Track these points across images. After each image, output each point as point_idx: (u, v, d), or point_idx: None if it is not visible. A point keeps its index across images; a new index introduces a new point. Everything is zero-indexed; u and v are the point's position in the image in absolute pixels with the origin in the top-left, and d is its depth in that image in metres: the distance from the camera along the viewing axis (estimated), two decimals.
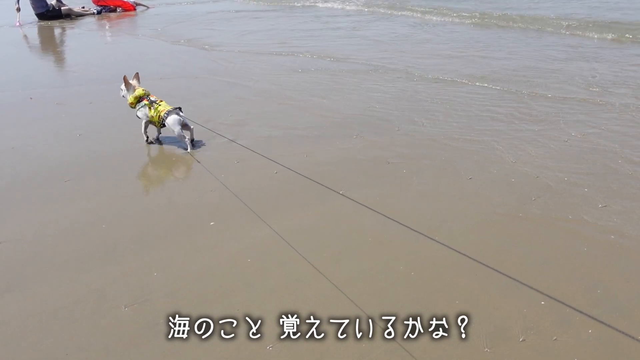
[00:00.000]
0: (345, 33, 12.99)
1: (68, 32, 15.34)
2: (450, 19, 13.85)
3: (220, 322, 3.16)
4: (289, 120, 6.69)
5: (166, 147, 5.90)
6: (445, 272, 3.58)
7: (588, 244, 3.84)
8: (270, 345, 2.97)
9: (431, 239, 3.90)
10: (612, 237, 3.93)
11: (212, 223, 4.28)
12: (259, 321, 3.13)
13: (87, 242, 4.06)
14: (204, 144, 5.92)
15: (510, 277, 3.43)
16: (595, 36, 11.21)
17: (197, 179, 5.12)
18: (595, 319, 3.08)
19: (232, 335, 3.06)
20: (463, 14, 14.07)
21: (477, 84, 8.06)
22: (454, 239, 3.94)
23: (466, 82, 8.20)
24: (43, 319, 3.25)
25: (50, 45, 13.82)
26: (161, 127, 5.84)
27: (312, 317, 3.17)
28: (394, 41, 11.71)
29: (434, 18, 14.18)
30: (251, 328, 3.10)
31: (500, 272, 3.48)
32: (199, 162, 5.48)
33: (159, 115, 5.67)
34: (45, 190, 4.94)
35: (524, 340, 2.96)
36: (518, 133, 5.99)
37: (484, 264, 3.58)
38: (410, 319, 3.12)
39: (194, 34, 13.79)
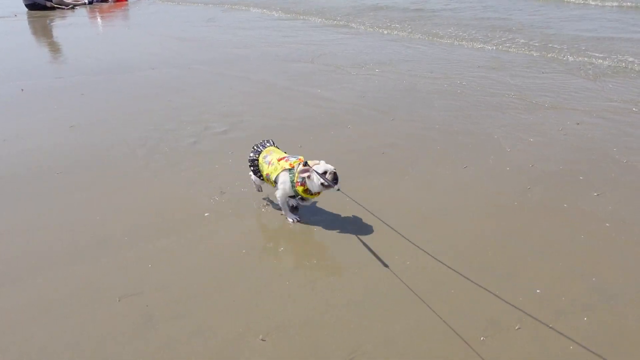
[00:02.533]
0: (329, 30, 12.92)
1: (59, 23, 15.17)
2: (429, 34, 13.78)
3: (215, 314, 3.15)
4: (283, 111, 6.65)
5: (160, 142, 5.84)
6: (440, 263, 3.57)
7: (584, 232, 3.84)
8: (264, 337, 2.96)
9: (417, 246, 3.89)
10: (608, 225, 3.92)
11: (206, 214, 4.25)
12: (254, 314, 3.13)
13: (80, 235, 4.02)
14: (200, 137, 5.88)
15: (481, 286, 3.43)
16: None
17: (191, 170, 5.07)
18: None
19: (227, 328, 3.05)
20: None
21: (473, 74, 8.03)
22: (449, 229, 3.93)
23: (461, 73, 8.17)
24: (36, 312, 3.22)
25: (41, 37, 13.66)
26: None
27: (307, 308, 3.17)
28: (386, 39, 11.65)
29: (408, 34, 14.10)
30: (246, 321, 3.09)
31: (479, 285, 3.47)
32: (193, 153, 5.44)
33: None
34: (37, 183, 4.89)
35: (519, 328, 2.96)
36: (513, 122, 5.98)
37: (464, 276, 3.56)
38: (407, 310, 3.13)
39: (187, 26, 13.67)
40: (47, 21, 15.42)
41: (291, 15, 14.39)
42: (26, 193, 4.71)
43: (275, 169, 3.97)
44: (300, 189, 3.84)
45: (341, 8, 15.02)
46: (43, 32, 14.19)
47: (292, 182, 3.86)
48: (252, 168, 4.16)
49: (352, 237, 3.89)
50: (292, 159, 3.94)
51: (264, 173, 4.06)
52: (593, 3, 11.17)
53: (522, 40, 10.04)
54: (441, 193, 4.50)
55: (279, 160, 3.99)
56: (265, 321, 3.07)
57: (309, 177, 3.78)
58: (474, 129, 5.80)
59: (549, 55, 8.90)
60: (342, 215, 4.19)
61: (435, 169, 4.92)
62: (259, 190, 4.37)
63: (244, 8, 16.22)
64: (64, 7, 17.51)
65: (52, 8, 17.21)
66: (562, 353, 2.78)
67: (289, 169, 3.88)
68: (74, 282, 3.48)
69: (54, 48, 11.92)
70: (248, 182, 4.76)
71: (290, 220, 4.07)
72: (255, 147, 4.22)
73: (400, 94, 7.17)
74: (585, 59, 8.54)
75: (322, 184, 3.75)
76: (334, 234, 3.94)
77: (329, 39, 11.04)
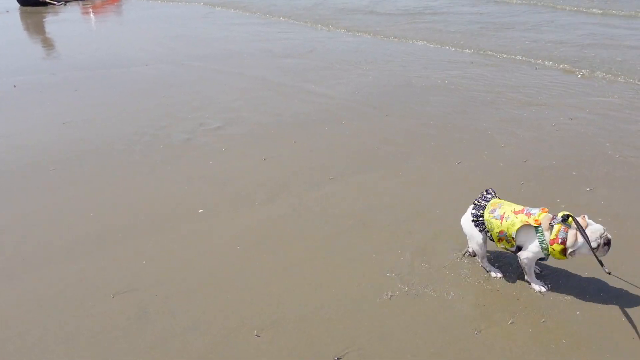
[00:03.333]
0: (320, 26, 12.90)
1: (52, 18, 15.08)
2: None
3: (209, 310, 3.16)
4: (277, 107, 6.64)
5: (154, 138, 5.82)
6: (435, 255, 3.58)
7: None
8: (258, 333, 2.96)
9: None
10: (600, 219, 3.93)
11: (200, 210, 4.25)
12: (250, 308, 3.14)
13: (75, 231, 4.02)
14: (195, 133, 5.87)
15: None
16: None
17: (185, 166, 5.07)
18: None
19: (221, 323, 3.05)
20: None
21: (467, 71, 8.04)
22: (442, 224, 3.95)
23: (455, 70, 8.18)
24: (31, 308, 3.22)
25: (34, 32, 13.58)
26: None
27: (302, 304, 3.18)
28: (380, 37, 11.64)
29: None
30: (241, 316, 3.09)
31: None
32: (187, 149, 5.43)
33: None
34: (31, 180, 4.87)
35: (512, 322, 2.98)
36: (507, 118, 5.99)
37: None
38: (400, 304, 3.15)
39: (179, 22, 13.62)
40: (40, 17, 15.32)
41: (283, 15, 14.36)
42: (20, 190, 4.70)
43: (513, 223, 3.16)
44: (557, 248, 3.04)
45: (336, 8, 14.99)
46: (36, 28, 14.10)
47: (541, 242, 3.08)
48: (477, 228, 3.33)
49: (345, 231, 3.90)
50: (534, 212, 3.16)
51: (496, 231, 3.23)
52: (584, 10, 11.34)
53: (515, 39, 10.04)
54: (435, 188, 4.51)
55: (516, 212, 3.20)
56: (260, 317, 3.08)
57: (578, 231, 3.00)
58: (468, 125, 5.82)
59: (542, 52, 8.92)
60: (336, 211, 4.19)
61: (429, 164, 4.94)
62: (473, 255, 3.52)
63: (232, 10, 16.16)
64: (55, 3, 17.40)
65: (45, 4, 17.09)
66: (554, 347, 2.81)
67: (536, 227, 3.11)
68: (69, 279, 3.48)
69: (47, 44, 11.84)
70: (244, 178, 4.76)
71: (538, 289, 3.25)
72: (476, 202, 3.39)
73: (394, 90, 7.18)
74: (578, 57, 8.57)
75: (593, 249, 2.97)
76: (328, 229, 3.95)
77: (323, 36, 11.02)
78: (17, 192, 4.65)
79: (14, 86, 7.85)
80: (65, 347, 2.91)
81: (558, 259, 3.13)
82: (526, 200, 4.22)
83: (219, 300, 3.23)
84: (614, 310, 3.05)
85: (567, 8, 11.92)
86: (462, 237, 3.76)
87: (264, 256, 3.65)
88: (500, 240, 3.26)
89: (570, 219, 3.05)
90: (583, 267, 3.41)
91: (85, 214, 4.25)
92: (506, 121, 5.89)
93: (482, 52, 9.04)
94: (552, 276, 3.35)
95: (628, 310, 3.04)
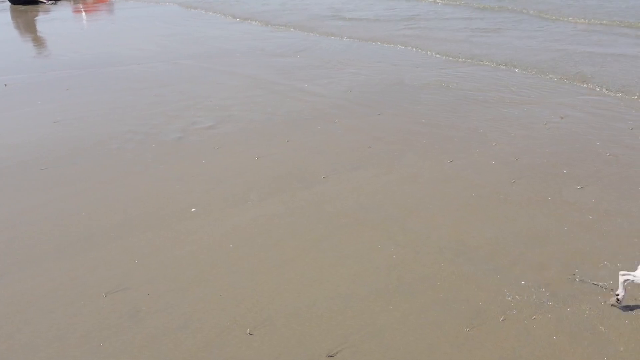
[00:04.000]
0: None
1: (43, 17, 14.99)
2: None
3: (202, 309, 3.15)
4: (270, 105, 6.64)
5: (146, 137, 5.81)
6: (428, 253, 3.60)
7: (567, 224, 3.88)
8: (251, 331, 2.97)
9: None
10: (591, 217, 3.98)
11: (193, 209, 4.24)
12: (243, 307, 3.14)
13: (66, 231, 4.00)
14: (187, 132, 5.86)
15: None
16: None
17: (178, 164, 5.06)
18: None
19: (213, 322, 3.05)
20: None
21: (459, 70, 8.07)
22: (435, 222, 3.96)
23: (448, 69, 8.21)
24: (22, 308, 3.20)
25: (25, 31, 13.49)
26: None
27: (295, 301, 3.18)
28: (372, 38, 11.67)
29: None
30: (234, 315, 3.09)
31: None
32: (179, 148, 5.42)
33: None
34: (21, 179, 4.84)
35: (504, 319, 3.00)
36: (499, 116, 6.02)
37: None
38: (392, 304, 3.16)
39: (172, 21, 13.58)
40: (31, 16, 15.22)
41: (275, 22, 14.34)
42: (10, 189, 4.67)
43: None
44: None
45: (331, 10, 15.01)
46: (27, 27, 14.01)
47: None
48: None
49: (337, 230, 3.90)
50: None
51: None
52: (571, 20, 11.50)
53: (509, 42, 10.10)
54: (427, 186, 4.53)
55: None
56: (252, 315, 3.08)
57: None
58: (460, 123, 5.84)
59: (535, 53, 8.97)
60: (328, 209, 4.20)
61: (421, 162, 4.95)
62: (617, 301, 2.98)
63: (222, 15, 16.14)
64: (46, 1, 17.28)
65: (36, 2, 16.99)
66: (546, 344, 2.83)
67: None
68: (60, 278, 3.46)
69: (38, 43, 11.77)
70: (237, 177, 4.76)
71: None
72: None
73: (386, 88, 7.20)
74: (571, 58, 8.63)
75: None
76: (320, 228, 3.96)
77: (315, 35, 11.03)
78: (7, 191, 4.62)
79: (5, 85, 7.80)
80: (57, 346, 2.90)
81: None
82: (517, 198, 4.26)
83: (211, 299, 3.22)
84: (605, 307, 3.07)
85: (553, 17, 12.01)
86: (457, 235, 3.78)
87: (256, 254, 3.65)
88: None
89: None
90: (574, 265, 3.44)
91: (77, 213, 4.23)
92: (498, 119, 5.92)
93: (474, 51, 9.08)
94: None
95: (620, 308, 3.06)
